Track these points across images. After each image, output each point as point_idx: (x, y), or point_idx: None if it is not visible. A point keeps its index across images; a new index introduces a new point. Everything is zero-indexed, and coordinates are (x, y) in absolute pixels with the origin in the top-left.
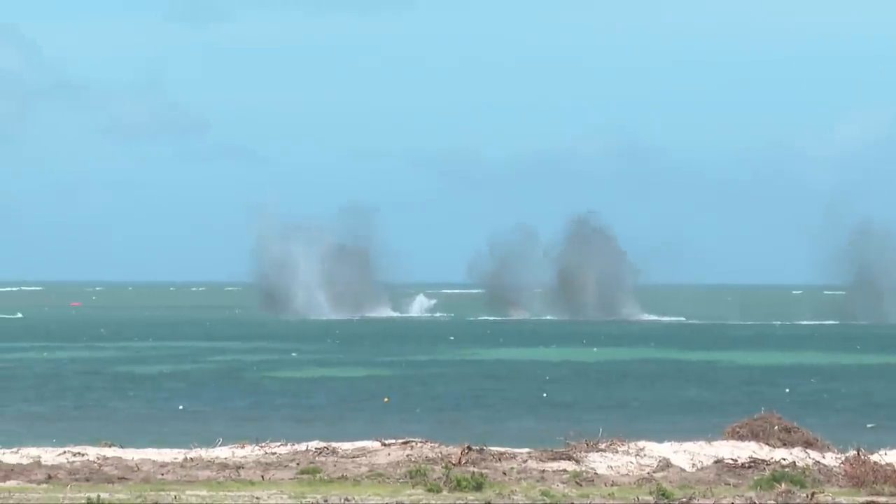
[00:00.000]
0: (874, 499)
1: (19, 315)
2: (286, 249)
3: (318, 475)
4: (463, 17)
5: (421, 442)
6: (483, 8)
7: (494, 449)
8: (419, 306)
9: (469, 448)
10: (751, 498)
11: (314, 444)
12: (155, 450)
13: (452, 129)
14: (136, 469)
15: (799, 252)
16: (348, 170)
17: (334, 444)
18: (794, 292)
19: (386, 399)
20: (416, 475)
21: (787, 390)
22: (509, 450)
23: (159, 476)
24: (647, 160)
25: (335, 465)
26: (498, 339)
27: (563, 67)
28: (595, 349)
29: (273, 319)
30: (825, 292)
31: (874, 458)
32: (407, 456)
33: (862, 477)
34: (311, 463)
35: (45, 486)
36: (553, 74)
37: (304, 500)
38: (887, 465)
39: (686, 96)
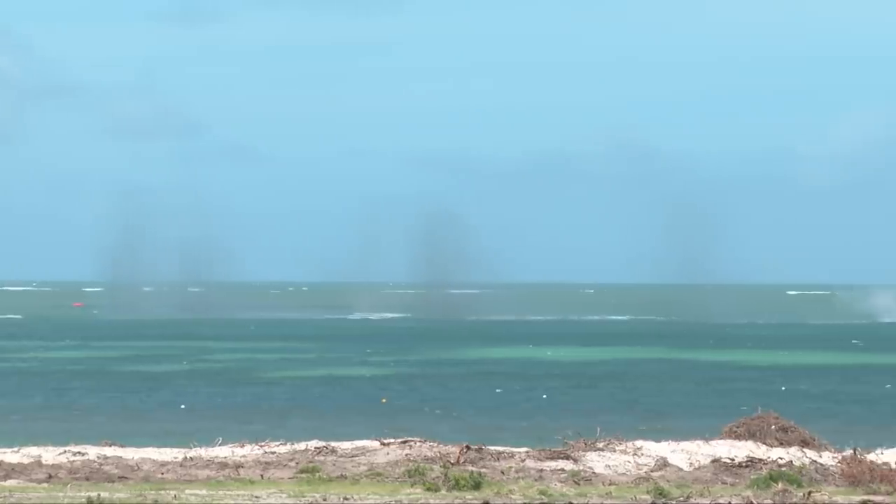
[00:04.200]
0: (870, 498)
1: (19, 316)
2: None
3: (317, 474)
4: (459, 18)
5: (419, 441)
6: (479, 9)
7: (493, 448)
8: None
9: (467, 447)
10: (748, 497)
11: (313, 444)
12: (155, 449)
13: (451, 128)
14: (136, 468)
15: (797, 250)
16: (348, 168)
17: (333, 444)
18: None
19: (383, 399)
20: (414, 474)
21: (784, 389)
22: (507, 449)
23: (159, 475)
24: (644, 161)
25: (334, 465)
26: (497, 339)
27: (559, 68)
28: (592, 349)
29: (269, 319)
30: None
31: (871, 457)
32: (405, 455)
33: (858, 476)
34: (310, 462)
35: (45, 485)
36: (550, 75)
37: (303, 500)
38: (884, 464)
39: (685, 97)
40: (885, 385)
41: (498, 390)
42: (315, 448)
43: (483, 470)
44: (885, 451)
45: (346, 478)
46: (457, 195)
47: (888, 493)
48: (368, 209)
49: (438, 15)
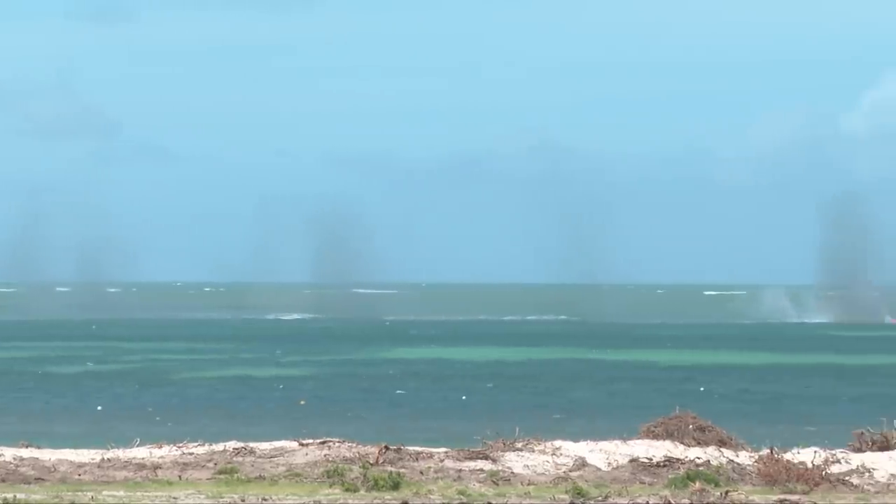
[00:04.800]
0: (787, 497)
1: None
2: None
3: (235, 475)
4: (375, 17)
5: (338, 442)
6: (396, 9)
7: (412, 448)
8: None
9: (386, 447)
10: (666, 496)
11: (232, 444)
12: (72, 450)
13: (368, 128)
14: (52, 469)
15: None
16: (259, 168)
17: (252, 445)
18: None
19: (302, 401)
20: (333, 475)
21: (702, 389)
22: (426, 449)
23: (76, 476)
24: (561, 161)
25: (253, 465)
26: (411, 339)
27: (477, 68)
28: (513, 349)
29: (191, 319)
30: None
31: (787, 456)
32: (324, 456)
33: (775, 475)
34: (228, 463)
35: None
36: (467, 76)
37: (221, 500)
38: (800, 463)
39: (602, 98)
40: (804, 385)
41: (416, 391)
42: (233, 449)
43: (402, 470)
44: (801, 451)
45: (264, 478)
46: (370, 195)
47: (804, 493)
48: (275, 209)
49: (354, 14)
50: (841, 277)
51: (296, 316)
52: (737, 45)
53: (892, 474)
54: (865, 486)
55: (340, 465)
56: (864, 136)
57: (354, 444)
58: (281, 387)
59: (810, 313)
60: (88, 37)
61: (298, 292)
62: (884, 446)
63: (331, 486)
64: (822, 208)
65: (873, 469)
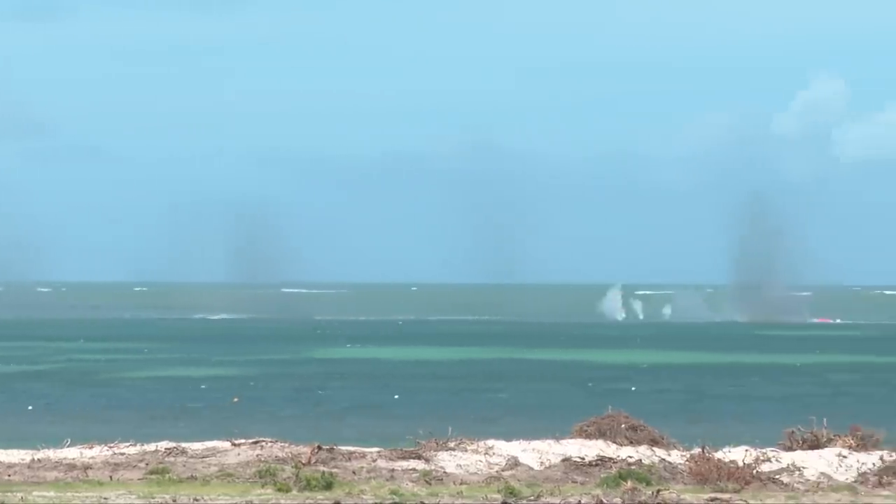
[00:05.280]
0: (718, 495)
1: None
2: None
3: (167, 475)
4: (308, 16)
5: (271, 442)
6: (329, 8)
7: (344, 448)
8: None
9: (319, 447)
10: (598, 496)
11: (163, 445)
12: (2, 451)
13: (301, 128)
14: None
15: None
16: (196, 168)
17: (184, 445)
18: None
19: (235, 399)
20: (265, 475)
21: (634, 388)
22: (359, 449)
23: (6, 477)
24: (496, 161)
25: (184, 466)
26: (350, 338)
27: (414, 66)
28: (444, 348)
29: (120, 319)
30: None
31: (718, 455)
32: (257, 456)
33: (706, 474)
34: (160, 463)
35: None
36: (404, 74)
37: (152, 501)
38: (731, 462)
39: (538, 98)
40: (734, 384)
41: (348, 390)
42: (165, 449)
43: (335, 470)
44: (732, 450)
45: (196, 479)
46: (302, 195)
47: (735, 491)
48: (203, 208)
49: (285, 14)
50: (754, 277)
51: (223, 316)
52: (670, 46)
53: (821, 473)
54: (796, 485)
55: (273, 465)
56: (796, 137)
57: (287, 444)
58: (203, 387)
59: (724, 313)
60: (18, 35)
61: (225, 292)
62: (814, 445)
63: (263, 487)
64: (736, 209)
65: (803, 467)
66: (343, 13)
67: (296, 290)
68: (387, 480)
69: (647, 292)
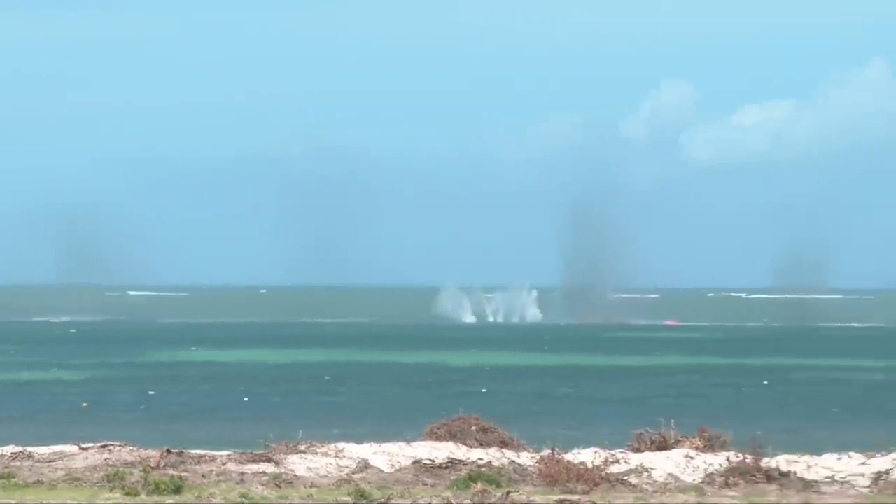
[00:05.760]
0: (567, 497)
1: None
2: None
3: (12, 480)
4: (154, 17)
5: (119, 445)
6: (176, 8)
7: (194, 452)
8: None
9: (168, 451)
10: (447, 498)
11: (9, 449)
12: None
13: (147, 131)
14: None
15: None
16: (60, 171)
17: (30, 449)
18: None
19: (84, 404)
20: (113, 479)
21: (484, 390)
22: (209, 452)
23: None
24: (349, 163)
25: (31, 470)
26: (189, 342)
27: (270, 66)
28: (285, 350)
29: None
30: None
31: (568, 457)
32: (105, 460)
33: (555, 476)
34: (5, 468)
35: None
36: (262, 74)
37: None
38: (580, 463)
39: (392, 100)
40: (583, 386)
41: (197, 393)
42: (11, 453)
43: (184, 474)
44: (581, 451)
45: (42, 483)
46: (147, 197)
47: (584, 493)
48: (43, 212)
49: (133, 15)
50: (582, 280)
51: (66, 318)
52: (522, 51)
53: (669, 473)
54: (644, 486)
55: (121, 469)
56: (644, 141)
57: (136, 448)
58: (50, 390)
59: (555, 315)
60: None
61: (69, 295)
62: (662, 446)
63: (111, 491)
64: (564, 213)
65: (651, 469)
66: (194, 15)
67: (143, 293)
68: (237, 484)
69: (489, 295)
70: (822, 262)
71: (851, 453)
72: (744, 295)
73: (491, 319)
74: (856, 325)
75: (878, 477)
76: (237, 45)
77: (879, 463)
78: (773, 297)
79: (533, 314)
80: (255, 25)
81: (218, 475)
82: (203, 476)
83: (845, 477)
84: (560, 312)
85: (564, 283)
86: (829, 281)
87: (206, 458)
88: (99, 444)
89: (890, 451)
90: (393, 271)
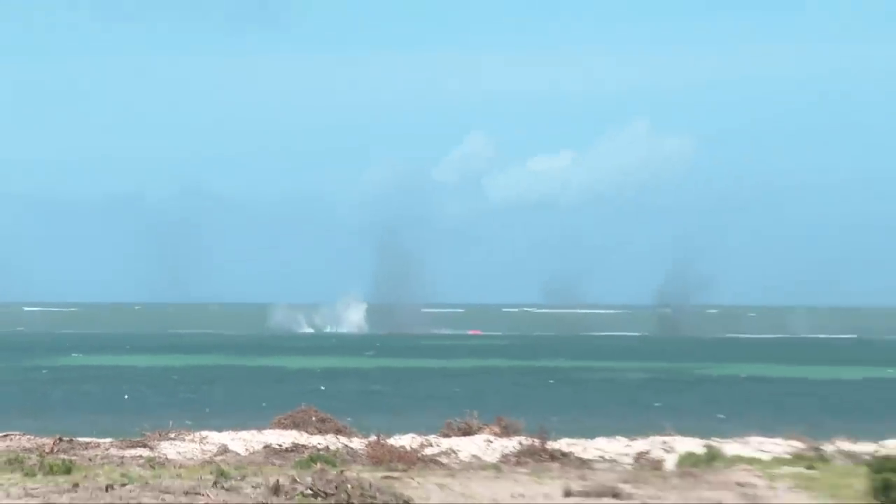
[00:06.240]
0: (390, 474)
1: None
2: None
3: None
4: (41, 65)
5: (19, 435)
6: (54, 56)
7: (82, 439)
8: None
9: (60, 439)
10: (292, 475)
11: None
12: None
13: (30, 170)
14: None
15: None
16: None
17: None
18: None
19: None
20: (14, 462)
21: (323, 388)
22: (94, 440)
23: None
24: (208, 203)
25: None
26: (70, 349)
27: (135, 115)
28: (161, 356)
29: None
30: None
31: (390, 441)
32: (6, 447)
33: (380, 457)
34: None
35: None
36: (128, 123)
37: None
38: (400, 447)
39: (247, 149)
40: (405, 383)
41: (87, 394)
42: None
43: (73, 458)
44: (401, 437)
45: None
46: (27, 232)
47: (404, 470)
48: None
49: (29, 61)
50: (389, 297)
51: None
52: (351, 105)
53: (473, 455)
54: (452, 465)
55: (20, 454)
56: (453, 183)
57: (33, 437)
58: None
59: (369, 326)
60: None
61: None
62: (467, 432)
63: (12, 472)
64: (375, 239)
65: (458, 451)
66: (66, 59)
67: (37, 309)
68: (118, 466)
69: (322, 308)
70: (582, 283)
71: (618, 437)
72: (535, 309)
73: (316, 331)
74: (615, 333)
75: (639, 456)
76: (110, 98)
77: (640, 445)
78: (547, 311)
79: (359, 325)
80: (120, 79)
81: (102, 458)
82: (90, 459)
83: (613, 456)
84: (381, 324)
85: (375, 299)
86: (588, 298)
87: (93, 444)
88: (1, 434)
89: (648, 436)
90: (235, 291)
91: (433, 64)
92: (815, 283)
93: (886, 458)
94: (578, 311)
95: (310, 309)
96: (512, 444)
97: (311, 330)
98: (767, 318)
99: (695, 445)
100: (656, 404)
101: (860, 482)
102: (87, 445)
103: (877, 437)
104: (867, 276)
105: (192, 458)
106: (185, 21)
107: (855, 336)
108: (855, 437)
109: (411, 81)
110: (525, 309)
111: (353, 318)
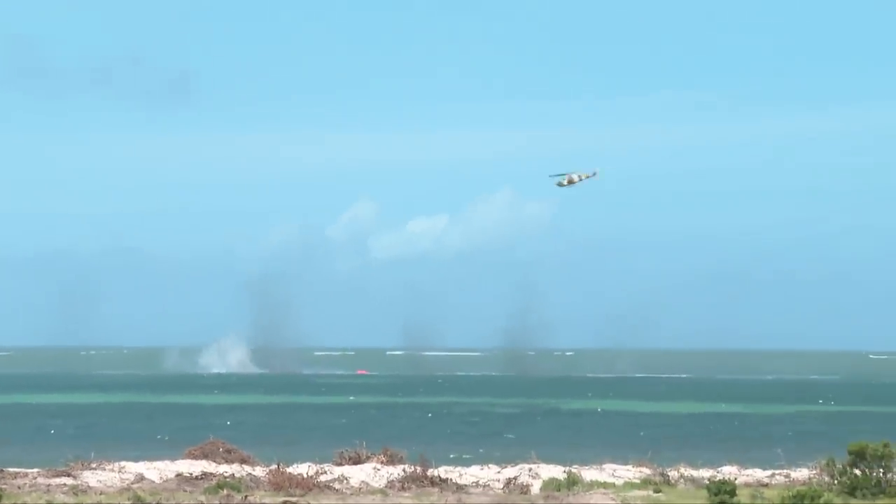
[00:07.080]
0: (289, 499)
1: None
2: None
3: None
4: None
5: None
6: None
7: (11, 469)
8: None
9: None
10: (202, 501)
11: None
12: None
13: None
14: None
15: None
16: None
17: None
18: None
19: None
20: None
21: (229, 423)
22: (23, 470)
23: None
24: (131, 258)
25: None
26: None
27: (69, 177)
28: (80, 394)
29: None
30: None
31: (289, 469)
32: None
33: (281, 483)
34: None
35: None
36: (59, 184)
37: None
38: (298, 474)
39: (170, 207)
40: (297, 417)
41: (13, 430)
42: None
43: (3, 486)
44: (298, 465)
45: None
46: None
47: (301, 495)
48: None
49: None
50: (267, 340)
51: None
52: (258, 172)
53: (362, 481)
54: (344, 490)
55: None
56: (343, 241)
57: None
58: None
59: (256, 366)
60: None
61: None
62: (356, 461)
63: None
64: (250, 286)
65: (349, 477)
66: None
67: None
68: (44, 493)
69: (206, 352)
70: (437, 328)
71: (490, 465)
72: (398, 352)
73: (203, 371)
74: (473, 373)
75: (509, 482)
76: (34, 160)
77: (510, 472)
78: (404, 353)
79: (242, 363)
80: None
81: (30, 487)
82: (19, 488)
83: (486, 482)
84: (264, 363)
85: (254, 343)
86: (442, 342)
87: (21, 474)
88: None
89: (517, 464)
90: (129, 335)
91: (329, 140)
92: (638, 328)
93: (723, 482)
94: (436, 353)
95: (193, 352)
96: (397, 471)
97: (202, 371)
98: (601, 360)
99: (557, 472)
100: (509, 435)
101: (701, 503)
102: (16, 475)
103: (715, 464)
104: (682, 320)
105: (111, 486)
106: (107, 100)
107: (687, 376)
108: (696, 464)
109: (308, 154)
110: (389, 352)
111: (234, 359)
